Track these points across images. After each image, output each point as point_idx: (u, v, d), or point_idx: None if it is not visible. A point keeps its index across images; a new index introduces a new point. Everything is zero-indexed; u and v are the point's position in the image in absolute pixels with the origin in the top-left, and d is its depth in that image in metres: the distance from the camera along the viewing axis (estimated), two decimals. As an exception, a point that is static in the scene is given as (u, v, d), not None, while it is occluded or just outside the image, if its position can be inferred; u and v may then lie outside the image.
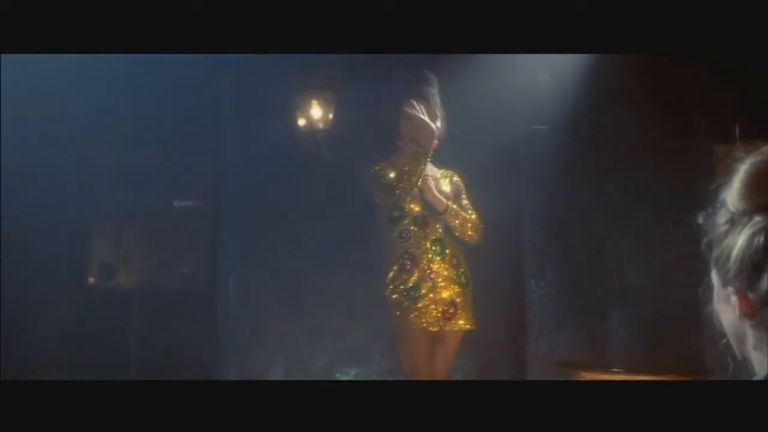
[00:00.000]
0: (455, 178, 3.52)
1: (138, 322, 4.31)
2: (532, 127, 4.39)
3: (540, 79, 4.33)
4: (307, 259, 4.47)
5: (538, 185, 4.40)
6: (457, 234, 3.37)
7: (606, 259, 4.28)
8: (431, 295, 3.31)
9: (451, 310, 3.34)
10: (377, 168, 3.44)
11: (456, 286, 3.36)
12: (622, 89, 4.28)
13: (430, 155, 3.32)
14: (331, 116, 4.43)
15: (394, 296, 3.34)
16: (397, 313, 3.34)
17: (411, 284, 3.31)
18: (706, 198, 1.25)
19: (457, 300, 3.35)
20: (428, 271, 3.31)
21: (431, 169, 3.45)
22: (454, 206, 3.36)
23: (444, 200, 3.32)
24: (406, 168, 3.28)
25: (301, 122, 4.46)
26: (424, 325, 3.30)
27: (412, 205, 3.39)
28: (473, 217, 3.44)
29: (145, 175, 4.27)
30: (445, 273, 3.33)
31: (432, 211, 3.33)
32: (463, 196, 3.47)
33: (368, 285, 3.70)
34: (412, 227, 3.37)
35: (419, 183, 3.32)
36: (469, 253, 3.49)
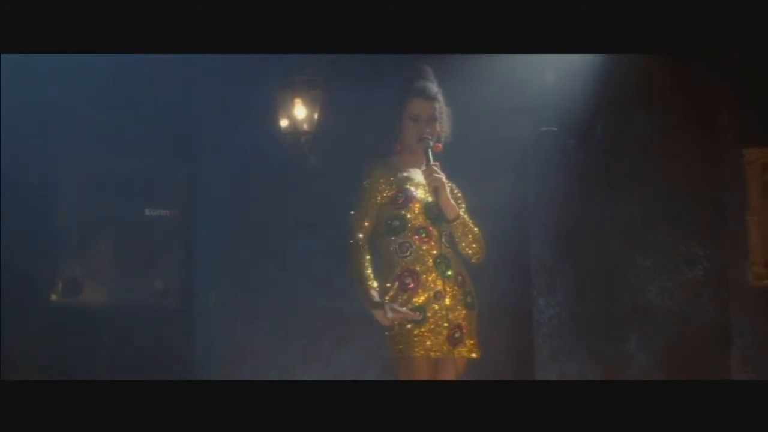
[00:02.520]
0: (455, 191, 3.33)
1: (107, 343, 4.16)
2: (540, 129, 4.22)
3: (548, 79, 4.20)
4: (294, 275, 4.39)
5: (547, 195, 4.23)
6: (461, 248, 3.20)
7: (623, 277, 4.11)
8: (436, 319, 3.12)
9: (456, 335, 3.14)
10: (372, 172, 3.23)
11: (462, 308, 3.17)
12: (638, 89, 4.10)
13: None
14: (317, 117, 4.20)
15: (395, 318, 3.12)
16: (397, 337, 3.13)
17: (413, 305, 3.11)
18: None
19: (463, 324, 3.16)
20: (433, 291, 3.12)
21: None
22: (465, 217, 3.20)
23: (456, 207, 3.15)
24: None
25: (284, 124, 4.23)
26: (426, 351, 3.11)
27: (414, 214, 3.19)
28: (476, 230, 3.25)
29: (115, 182, 4.16)
30: (450, 293, 3.14)
31: (439, 217, 3.14)
32: (462, 207, 3.29)
33: (360, 304, 3.39)
34: (413, 240, 3.16)
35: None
36: (471, 269, 3.30)
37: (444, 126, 3.25)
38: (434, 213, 3.18)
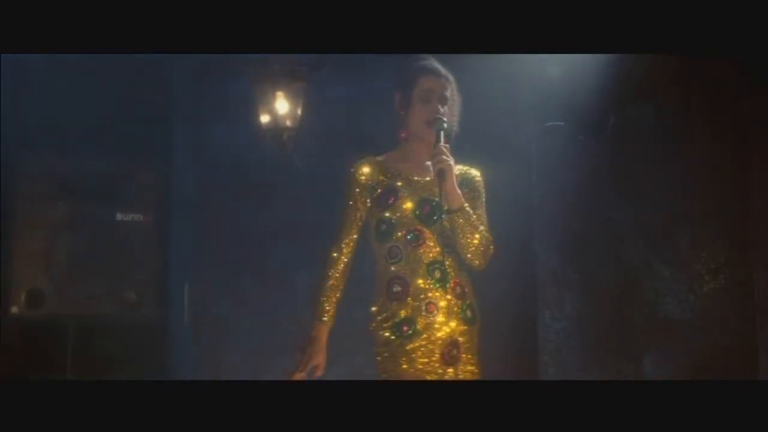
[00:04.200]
0: (472, 179, 3.09)
1: (73, 358, 3.99)
2: (546, 124, 4.11)
3: (553, 70, 4.05)
4: (276, 285, 4.27)
5: (554, 196, 4.13)
6: (460, 246, 2.99)
7: (638, 288, 4.00)
8: (428, 333, 2.96)
9: (453, 353, 2.97)
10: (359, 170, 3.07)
11: (460, 322, 2.98)
12: (656, 79, 3.96)
13: None
14: (300, 112, 4.10)
15: (381, 332, 2.99)
16: (385, 354, 3.00)
17: (402, 317, 2.95)
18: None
19: (461, 340, 2.98)
20: (425, 302, 2.96)
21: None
22: (471, 211, 2.98)
23: (461, 198, 2.95)
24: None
25: (265, 120, 4.15)
26: (418, 371, 2.97)
27: (402, 214, 3.01)
28: (482, 229, 3.00)
29: (83, 184, 4.02)
30: (446, 305, 2.96)
31: (432, 217, 2.97)
32: (479, 204, 3.08)
33: (349, 317, 3.35)
34: (402, 244, 2.99)
35: None
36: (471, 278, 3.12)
37: (455, 112, 3.06)
38: (426, 212, 2.98)
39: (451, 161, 2.91)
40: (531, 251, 4.16)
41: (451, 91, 3.03)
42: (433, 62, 3.05)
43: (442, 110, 2.98)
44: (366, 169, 3.02)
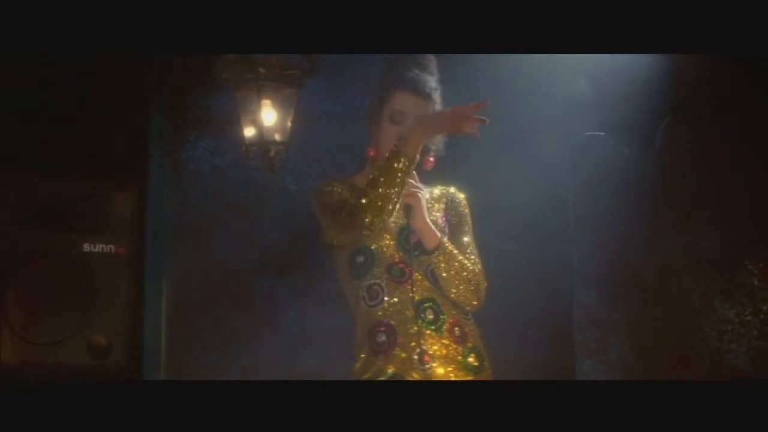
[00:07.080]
0: (457, 202, 2.90)
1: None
2: (584, 134, 3.94)
3: (591, 71, 3.87)
4: (260, 325, 4.07)
5: (594, 220, 3.97)
6: (444, 289, 2.78)
7: (697, 332, 3.82)
8: None
9: None
10: (328, 188, 2.85)
11: (461, 372, 2.74)
12: (717, 82, 3.74)
13: (411, 169, 2.69)
14: (290, 124, 3.83)
15: None
16: None
17: (389, 374, 2.70)
18: None
19: None
20: (416, 351, 2.69)
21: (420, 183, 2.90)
22: (450, 246, 2.76)
23: (437, 232, 2.75)
24: (381, 182, 2.60)
25: (249, 134, 3.89)
26: None
27: (384, 243, 2.77)
28: (467, 264, 2.77)
29: (45, 208, 3.83)
30: (444, 352, 2.72)
31: (411, 247, 2.75)
32: (466, 229, 2.87)
33: (339, 364, 3.14)
34: (384, 281, 2.74)
35: (394, 207, 2.67)
36: (484, 320, 2.84)
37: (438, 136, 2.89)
38: (412, 242, 2.72)
39: (420, 193, 2.70)
40: (566, 288, 4.01)
41: (434, 105, 2.81)
42: (420, 73, 2.79)
43: None
44: (337, 188, 2.77)
